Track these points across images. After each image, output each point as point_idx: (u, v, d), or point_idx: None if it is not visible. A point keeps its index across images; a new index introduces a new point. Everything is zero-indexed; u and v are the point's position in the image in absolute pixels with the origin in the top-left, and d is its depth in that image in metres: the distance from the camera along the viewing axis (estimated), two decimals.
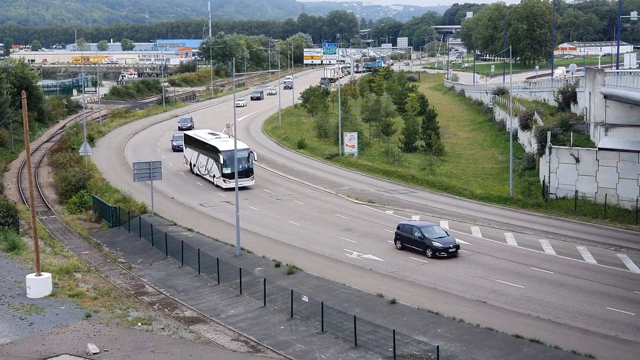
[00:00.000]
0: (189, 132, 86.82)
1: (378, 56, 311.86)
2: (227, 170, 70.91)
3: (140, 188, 70.44)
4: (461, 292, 42.66)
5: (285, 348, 36.25)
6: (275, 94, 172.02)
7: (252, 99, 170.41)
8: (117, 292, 45.97)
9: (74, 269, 49.42)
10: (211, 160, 74.86)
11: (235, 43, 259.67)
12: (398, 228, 53.06)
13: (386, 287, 43.54)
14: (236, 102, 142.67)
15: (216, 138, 77.75)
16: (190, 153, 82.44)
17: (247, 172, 72.46)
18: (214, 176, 74.43)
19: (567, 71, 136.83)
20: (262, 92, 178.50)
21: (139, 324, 39.48)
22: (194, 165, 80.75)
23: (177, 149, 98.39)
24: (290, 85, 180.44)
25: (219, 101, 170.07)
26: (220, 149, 72.05)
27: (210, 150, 75.19)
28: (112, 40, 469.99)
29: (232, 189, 65.65)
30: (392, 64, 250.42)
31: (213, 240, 55.42)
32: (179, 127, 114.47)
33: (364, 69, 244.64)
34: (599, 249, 51.08)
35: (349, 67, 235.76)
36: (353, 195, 70.67)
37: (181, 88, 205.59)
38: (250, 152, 73.63)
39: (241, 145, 72.33)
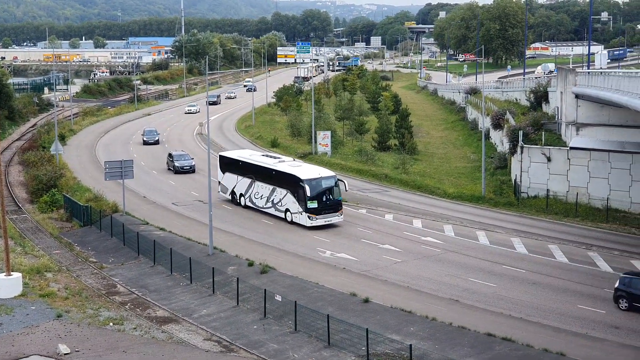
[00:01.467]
0: (230, 155, 69.03)
1: (352, 55, 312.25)
2: (314, 205, 56.99)
3: (111, 187, 69.97)
4: (434, 291, 42.78)
5: (258, 347, 36.16)
6: (234, 97, 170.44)
7: (208, 103, 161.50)
8: (89, 292, 45.64)
9: (45, 268, 49.01)
10: (282, 192, 59.59)
11: (209, 41, 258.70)
12: (622, 283, 39.69)
13: (359, 285, 43.57)
14: (187, 109, 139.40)
15: (284, 163, 62.47)
16: (232, 179, 66.22)
17: (335, 206, 58.41)
18: (288, 211, 59.04)
19: (550, 71, 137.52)
20: (218, 97, 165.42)
21: (111, 324, 39.23)
22: (243, 195, 64.77)
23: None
24: (252, 88, 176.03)
25: (172, 105, 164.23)
26: (302, 178, 57.39)
27: (281, 179, 59.93)
28: (84, 38, 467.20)
29: (319, 227, 57.05)
30: (364, 65, 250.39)
31: (185, 240, 55.18)
32: (144, 140, 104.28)
33: (340, 68, 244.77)
34: (570, 248, 51.42)
35: (323, 65, 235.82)
36: None
37: (153, 86, 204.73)
38: (339, 179, 60.08)
39: (326, 172, 60.40)
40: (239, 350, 36.14)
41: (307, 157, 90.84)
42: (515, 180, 66.90)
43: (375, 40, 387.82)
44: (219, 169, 67.93)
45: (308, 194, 56.75)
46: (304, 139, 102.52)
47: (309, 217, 57.14)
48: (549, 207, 62.06)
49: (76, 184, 75.28)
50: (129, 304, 43.76)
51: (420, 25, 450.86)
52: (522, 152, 65.16)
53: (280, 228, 58.20)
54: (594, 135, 62.18)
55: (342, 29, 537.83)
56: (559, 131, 68.18)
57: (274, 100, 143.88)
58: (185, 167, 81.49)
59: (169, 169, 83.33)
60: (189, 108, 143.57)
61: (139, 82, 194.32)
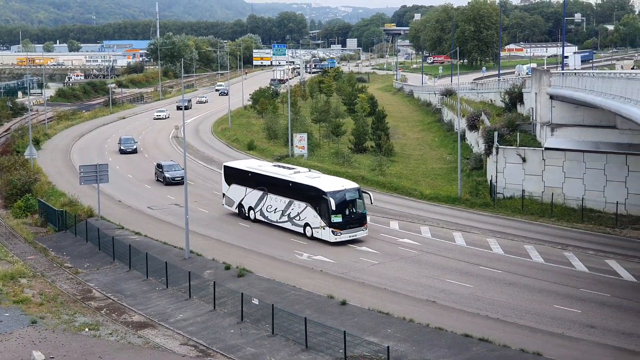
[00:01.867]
0: (237, 165, 64.68)
1: (327, 57, 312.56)
2: (338, 219, 52.59)
3: (86, 191, 69.56)
4: (411, 292, 42.82)
5: (235, 352, 36.03)
6: (205, 102, 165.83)
7: (177, 108, 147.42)
8: (64, 298, 45.34)
9: (19, 274, 48.67)
10: (300, 205, 55.20)
11: (184, 44, 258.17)
12: None
13: (337, 288, 43.54)
14: (156, 114, 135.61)
15: (300, 174, 58.01)
16: (239, 192, 61.81)
17: (360, 219, 54.18)
18: (308, 225, 54.78)
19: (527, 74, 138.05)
20: (189, 101, 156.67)
21: (86, 329, 39.00)
22: (253, 209, 60.36)
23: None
24: (225, 92, 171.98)
25: (147, 108, 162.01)
26: (325, 190, 53.06)
27: (299, 191, 55.65)
28: (58, 41, 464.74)
29: (342, 243, 52.91)
30: (340, 67, 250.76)
31: (161, 244, 54.92)
32: (121, 149, 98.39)
33: (317, 70, 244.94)
34: (545, 248, 51.65)
35: (299, 68, 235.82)
36: None
37: (128, 89, 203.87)
38: (363, 191, 55.87)
39: (350, 183, 56.63)
40: (215, 355, 36.01)
41: (284, 159, 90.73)
42: (491, 181, 67.12)
43: (351, 42, 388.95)
44: (223, 180, 64.25)
45: (332, 207, 52.38)
46: (281, 141, 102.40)
47: (333, 232, 52.73)
48: (525, 207, 62.30)
49: (51, 189, 74.76)
50: (104, 309, 43.48)
51: (395, 27, 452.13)
52: (497, 153, 65.40)
53: (257, 231, 58.08)
54: (569, 135, 62.51)
55: (317, 31, 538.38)
56: (533, 132, 68.48)
57: (250, 103, 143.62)
58: (177, 178, 75.59)
59: (157, 180, 78.45)
60: (158, 114, 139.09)
61: (114, 85, 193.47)
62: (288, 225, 56.77)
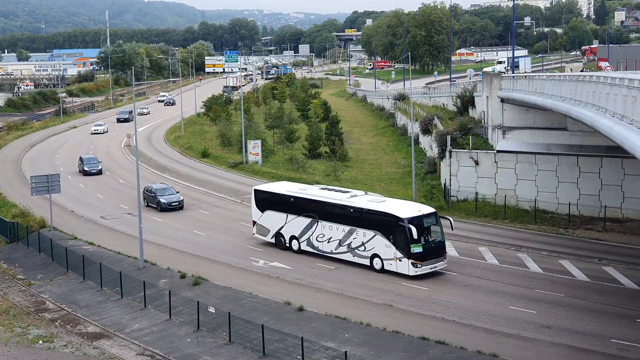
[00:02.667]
0: (273, 189, 56.65)
1: (280, 63, 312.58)
2: (418, 249, 45.71)
3: (38, 202, 68.75)
4: (368, 297, 42.91)
5: None
6: (147, 113, 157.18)
7: (118, 120, 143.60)
8: (17, 310, 44.76)
9: None
10: (366, 233, 47.85)
11: (135, 52, 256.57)
12: None
13: (293, 294, 43.50)
14: (94, 129, 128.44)
15: (359, 197, 51.09)
16: (277, 219, 54.01)
17: (441, 248, 47.48)
18: (377, 257, 47.59)
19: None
20: (130, 113, 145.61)
21: (40, 342, 38.52)
22: (297, 238, 52.82)
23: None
24: (171, 101, 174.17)
25: (98, 117, 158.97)
26: (402, 217, 46.12)
27: (363, 218, 48.44)
28: (6, 50, 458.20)
29: (422, 276, 46.26)
30: (294, 72, 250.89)
31: (115, 254, 54.44)
32: (84, 170, 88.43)
33: (272, 76, 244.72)
34: (500, 249, 52.08)
35: (252, 74, 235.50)
36: None
37: (79, 98, 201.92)
38: (441, 216, 49.43)
39: (426, 207, 49.18)
40: None
41: (238, 166, 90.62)
42: (444, 184, 67.53)
43: (304, 48, 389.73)
44: (254, 206, 56.49)
45: (411, 236, 45.55)
46: (234, 148, 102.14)
47: (413, 264, 45.88)
48: (478, 210, 62.76)
49: (1, 200, 73.83)
50: (59, 321, 42.98)
51: (347, 33, 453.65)
52: (450, 157, 65.85)
53: (214, 239, 57.84)
54: (520, 138, 63.17)
55: (270, 37, 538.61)
56: (486, 135, 69.08)
57: (203, 110, 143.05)
58: (173, 204, 67.95)
59: (148, 206, 69.15)
60: (96, 128, 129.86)
61: (64, 94, 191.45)
62: (348, 257, 49.44)
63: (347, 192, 52.96)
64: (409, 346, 35.39)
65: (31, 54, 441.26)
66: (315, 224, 51.55)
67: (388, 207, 48.23)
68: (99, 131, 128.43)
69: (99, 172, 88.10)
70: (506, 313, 39.44)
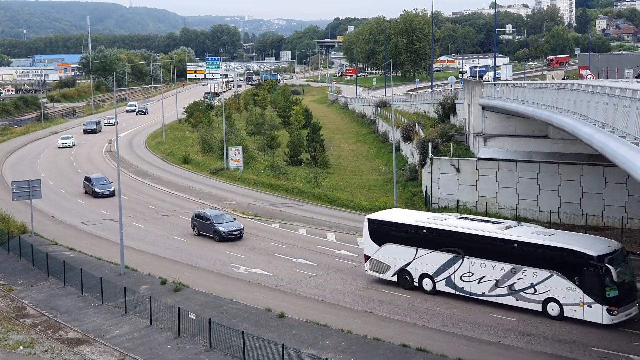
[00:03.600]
0: (393, 219, 47.77)
1: (262, 70, 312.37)
2: (614, 293, 38.17)
3: (19, 207, 68.35)
4: (349, 304, 42.93)
5: None
6: (113, 124, 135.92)
7: (84, 132, 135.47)
8: None
9: None
10: (537, 273, 40.31)
11: (116, 57, 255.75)
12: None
13: (274, 301, 43.47)
14: (61, 142, 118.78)
15: (523, 230, 43.67)
16: (402, 254, 45.84)
17: (632, 290, 40.00)
18: (553, 301, 39.91)
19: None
20: (98, 123, 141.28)
21: (21, 347, 38.33)
22: (431, 277, 44.87)
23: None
24: (143, 110, 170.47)
25: (79, 122, 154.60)
26: (593, 255, 38.67)
27: (535, 256, 40.72)
28: None
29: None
30: (280, 79, 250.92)
31: (96, 259, 54.24)
32: (96, 192, 77.60)
33: (256, 82, 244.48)
34: None
35: (233, 81, 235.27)
36: (239, 209, 70.30)
37: (60, 104, 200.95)
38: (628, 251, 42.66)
39: (613, 242, 41.20)
40: None
41: (219, 172, 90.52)
42: (426, 191, 67.70)
43: (285, 55, 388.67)
44: (367, 238, 47.79)
45: (608, 277, 38.20)
46: (216, 154, 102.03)
47: (608, 310, 38.10)
48: None
49: None
50: (39, 326, 42.76)
51: (329, 40, 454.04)
52: (431, 164, 66.05)
53: (194, 244, 57.72)
54: (502, 145, 63.45)
55: (251, 43, 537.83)
56: (467, 142, 69.30)
57: (184, 116, 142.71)
58: (234, 233, 59.29)
59: (199, 234, 61.12)
60: (64, 141, 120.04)
61: (45, 100, 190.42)
62: (508, 300, 41.58)
63: (498, 222, 45.51)
64: (389, 353, 35.42)
65: (12, 59, 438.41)
66: (460, 261, 43.62)
67: (570, 243, 40.36)
68: (67, 145, 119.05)
69: (112, 194, 76.47)
70: (487, 321, 39.54)
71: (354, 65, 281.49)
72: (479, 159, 63.37)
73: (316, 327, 39.12)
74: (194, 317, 39.69)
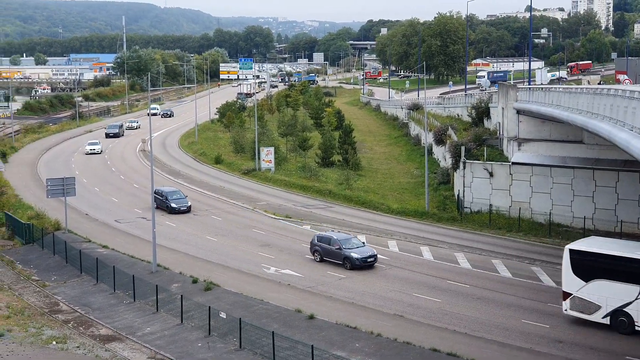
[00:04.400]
0: (609, 251, 39.37)
1: (294, 71, 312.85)
2: None
3: (53, 204, 68.99)
4: (379, 306, 42.82)
5: None
6: (137, 127, 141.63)
7: (107, 136, 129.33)
8: (31, 311, 44.91)
9: None
10: None
11: (150, 57, 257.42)
12: None
13: (304, 302, 43.47)
14: (89, 149, 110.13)
15: None
16: (620, 292, 37.87)
17: None
18: None
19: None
20: (121, 127, 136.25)
21: (54, 342, 38.62)
22: None
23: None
24: (168, 113, 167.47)
25: (113, 121, 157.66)
26: None
27: None
28: (24, 54, 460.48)
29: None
30: (318, 81, 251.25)
31: (129, 257, 54.59)
32: (172, 207, 69.45)
33: (288, 83, 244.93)
34: (513, 262, 51.89)
35: (265, 81, 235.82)
36: (270, 210, 70.46)
37: (95, 103, 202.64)
38: None
39: None
40: None
41: (251, 173, 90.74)
42: (458, 195, 67.42)
43: (318, 57, 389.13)
44: (570, 272, 40.30)
45: None
46: (247, 155, 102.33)
47: None
48: (492, 222, 62.60)
49: (18, 202, 74.13)
50: (72, 322, 43.10)
51: (362, 42, 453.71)
52: (464, 168, 65.73)
53: (226, 245, 57.88)
54: (536, 150, 62.99)
55: (284, 45, 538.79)
56: (500, 147, 68.92)
57: (217, 116, 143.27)
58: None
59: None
60: (91, 147, 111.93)
61: (80, 99, 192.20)
62: None
63: None
64: (419, 357, 35.28)
65: (48, 58, 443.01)
66: None
67: None
68: (95, 151, 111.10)
69: (189, 210, 70.05)
70: (519, 326, 39.27)
71: (386, 67, 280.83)
72: (513, 163, 62.97)
73: (346, 329, 39.06)
74: (225, 317, 39.78)
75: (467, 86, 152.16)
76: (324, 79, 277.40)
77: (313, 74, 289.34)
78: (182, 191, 73.35)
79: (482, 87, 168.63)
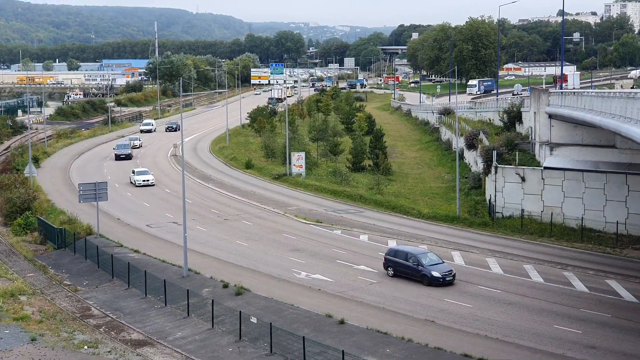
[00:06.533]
0: None
1: (325, 76, 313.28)
2: None
3: (85, 209, 69.52)
4: (409, 312, 42.68)
5: None
6: (138, 145, 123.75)
7: (117, 158, 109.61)
8: (63, 315, 45.23)
9: (19, 291, 48.61)
10: None
11: (182, 63, 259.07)
12: None
13: (335, 307, 43.41)
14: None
15: None
16: None
17: None
18: None
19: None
20: (130, 145, 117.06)
21: (85, 347, 38.88)
22: None
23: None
24: (173, 127, 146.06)
25: (125, 132, 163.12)
26: None
27: None
28: (57, 60, 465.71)
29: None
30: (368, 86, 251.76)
31: (160, 262, 54.81)
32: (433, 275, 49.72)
33: (345, 87, 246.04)
34: (545, 267, 51.56)
35: (296, 87, 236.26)
36: (301, 215, 70.52)
37: (127, 108, 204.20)
38: None
39: None
40: None
41: (282, 178, 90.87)
42: (489, 200, 67.09)
43: (349, 61, 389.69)
44: None
45: None
46: (278, 160, 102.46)
47: None
48: (524, 227, 62.24)
49: (50, 207, 74.71)
50: (103, 327, 43.34)
51: (393, 46, 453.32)
52: (496, 172, 65.41)
53: (256, 249, 57.96)
54: (568, 155, 62.60)
55: (315, 50, 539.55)
56: (532, 151, 68.54)
57: (247, 121, 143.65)
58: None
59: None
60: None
61: (112, 104, 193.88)
62: None
63: None
64: None
65: (81, 64, 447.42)
66: None
67: None
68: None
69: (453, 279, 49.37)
70: (551, 332, 38.99)
71: (418, 72, 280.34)
72: (545, 168, 62.58)
73: (377, 335, 38.96)
74: (255, 321, 39.83)
75: (502, 90, 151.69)
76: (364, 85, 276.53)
77: (362, 78, 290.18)
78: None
79: (514, 92, 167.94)
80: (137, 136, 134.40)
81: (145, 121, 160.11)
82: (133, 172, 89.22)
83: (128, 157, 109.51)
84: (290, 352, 36.77)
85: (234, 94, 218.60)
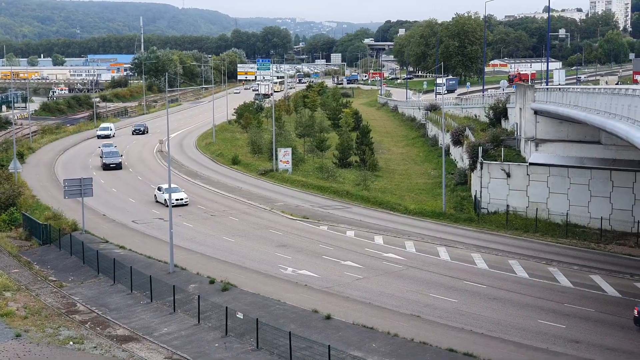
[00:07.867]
0: None
1: (312, 72, 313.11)
2: None
3: (71, 205, 69.32)
4: (395, 307, 42.80)
5: None
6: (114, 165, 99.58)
7: (106, 167, 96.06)
8: (48, 311, 45.09)
9: (3, 287, 48.39)
10: None
11: (168, 58, 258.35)
12: None
13: (321, 302, 43.48)
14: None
15: None
16: None
17: None
18: None
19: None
20: (119, 152, 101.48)
21: (71, 343, 38.81)
22: None
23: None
24: (141, 129, 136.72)
25: (131, 122, 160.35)
26: None
27: None
28: (42, 55, 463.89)
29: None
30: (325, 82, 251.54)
31: (146, 258, 54.73)
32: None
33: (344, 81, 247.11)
34: (530, 263, 51.77)
35: (283, 83, 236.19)
36: (287, 211, 70.56)
37: (113, 103, 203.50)
38: None
39: None
40: None
41: (268, 174, 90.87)
42: (475, 196, 67.31)
43: (336, 57, 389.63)
44: None
45: None
46: (265, 156, 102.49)
47: None
48: (509, 222, 62.48)
49: (35, 202, 74.46)
50: (89, 323, 43.26)
51: (380, 43, 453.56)
52: (481, 168, 65.61)
53: (243, 245, 57.96)
54: (553, 151, 62.84)
55: (302, 46, 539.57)
56: (518, 147, 68.78)
57: (234, 117, 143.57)
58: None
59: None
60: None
61: (98, 99, 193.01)
62: None
63: None
64: (436, 357, 35.27)
65: (66, 59, 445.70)
66: None
67: None
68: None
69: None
70: (535, 327, 39.19)
71: (405, 68, 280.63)
72: (530, 164, 62.81)
73: (363, 330, 39.07)
74: (242, 317, 39.88)
75: (488, 86, 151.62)
76: (342, 80, 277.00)
77: (355, 74, 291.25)
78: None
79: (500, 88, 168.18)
80: (110, 145, 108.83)
81: (102, 125, 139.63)
82: (159, 189, 75.97)
83: (118, 166, 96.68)
84: (276, 348, 36.83)
85: (220, 90, 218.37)
